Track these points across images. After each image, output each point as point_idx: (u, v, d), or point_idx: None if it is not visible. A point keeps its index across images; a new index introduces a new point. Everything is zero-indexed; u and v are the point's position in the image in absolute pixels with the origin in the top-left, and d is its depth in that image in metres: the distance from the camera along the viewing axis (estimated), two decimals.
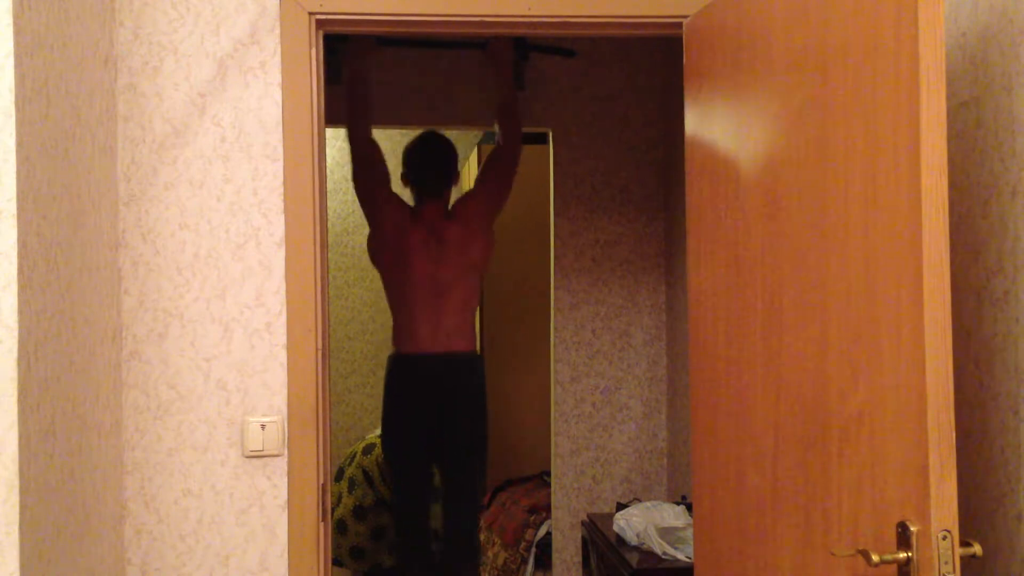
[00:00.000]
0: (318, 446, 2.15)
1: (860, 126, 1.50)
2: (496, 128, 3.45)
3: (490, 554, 4.30)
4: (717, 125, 2.02)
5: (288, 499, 2.13)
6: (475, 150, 4.83)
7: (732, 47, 1.92)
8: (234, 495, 2.13)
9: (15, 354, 1.54)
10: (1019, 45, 1.55)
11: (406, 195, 3.41)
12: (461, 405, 3.29)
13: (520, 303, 4.74)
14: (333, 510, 3.71)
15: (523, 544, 4.10)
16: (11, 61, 1.54)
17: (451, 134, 3.57)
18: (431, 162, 3.39)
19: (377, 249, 3.34)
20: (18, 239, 1.55)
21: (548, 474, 4.18)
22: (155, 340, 2.12)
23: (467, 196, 3.42)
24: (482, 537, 4.40)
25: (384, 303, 3.41)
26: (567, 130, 3.81)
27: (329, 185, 5.12)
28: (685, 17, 2.16)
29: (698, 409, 2.10)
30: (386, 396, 3.34)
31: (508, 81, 3.45)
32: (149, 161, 2.12)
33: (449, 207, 3.39)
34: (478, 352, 3.41)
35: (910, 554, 1.36)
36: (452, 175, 3.43)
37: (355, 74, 3.29)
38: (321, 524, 2.15)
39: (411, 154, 3.43)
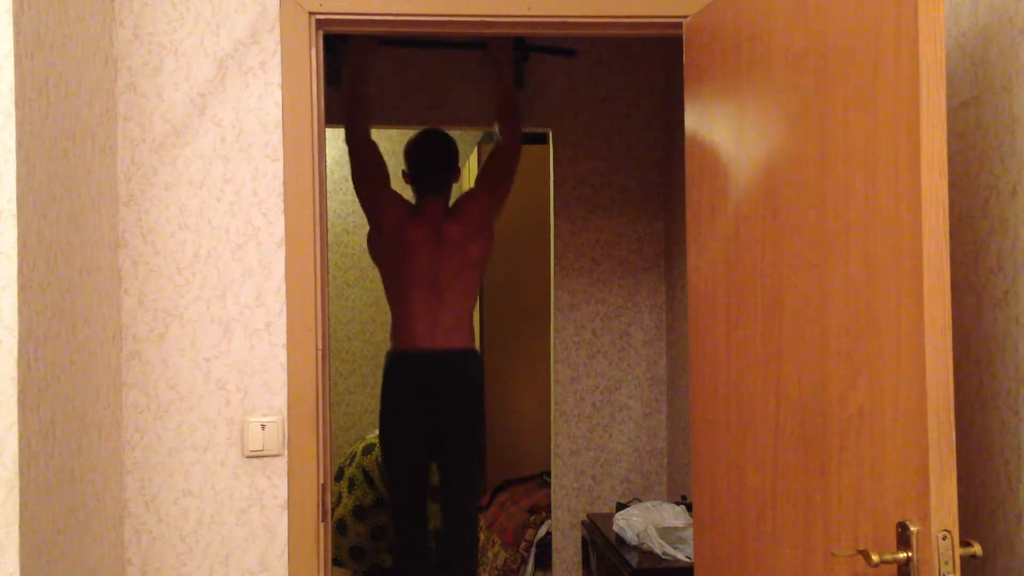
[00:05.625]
0: (318, 446, 2.15)
1: (860, 126, 1.50)
2: (496, 128, 3.45)
3: (490, 554, 4.30)
4: (717, 125, 2.02)
5: (288, 499, 2.13)
6: (475, 150, 4.84)
7: (732, 47, 1.92)
8: (234, 495, 2.13)
9: (15, 354, 1.54)
10: (1019, 45, 1.55)
11: (407, 193, 3.41)
12: (458, 402, 3.29)
13: (520, 303, 4.74)
14: (333, 510, 3.71)
15: (523, 544, 4.10)
16: (11, 61, 1.54)
17: (451, 134, 3.57)
18: (432, 159, 3.39)
19: (377, 246, 3.34)
20: (18, 239, 1.55)
21: (548, 474, 4.18)
22: (155, 340, 2.12)
23: (468, 195, 3.42)
24: (482, 537, 4.40)
25: (384, 303, 3.41)
26: (567, 130, 3.81)
27: (329, 185, 5.12)
28: (685, 17, 2.16)
29: (698, 409, 2.10)
30: (384, 393, 3.34)
31: (508, 81, 3.45)
32: (149, 161, 2.12)
33: (450, 205, 3.39)
34: (476, 349, 3.41)
35: (910, 554, 1.36)
36: (453, 171, 3.43)
37: (355, 74, 3.29)
38: (321, 524, 2.15)
39: (412, 151, 3.43)
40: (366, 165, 3.30)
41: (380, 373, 3.41)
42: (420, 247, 3.26)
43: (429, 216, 3.31)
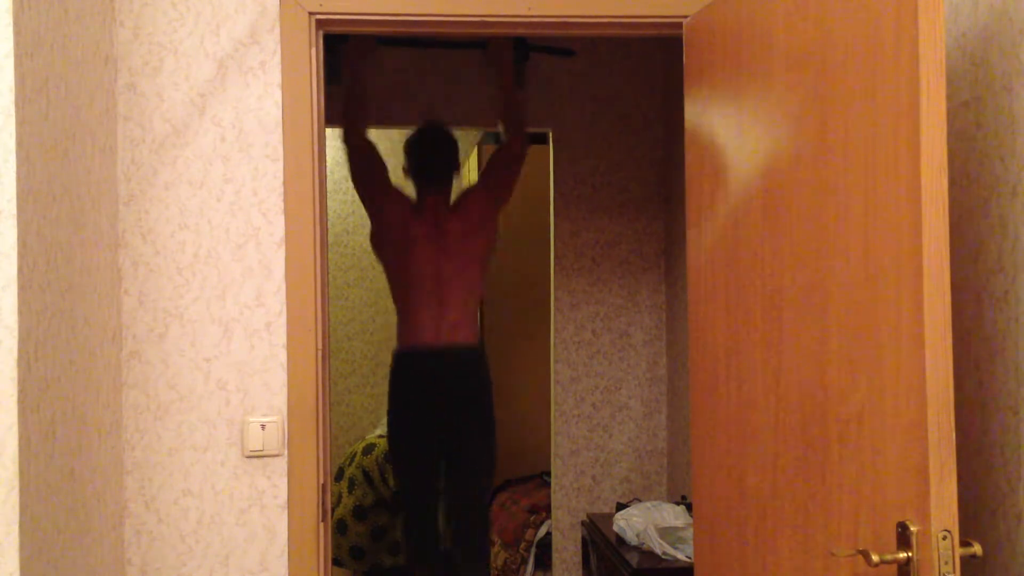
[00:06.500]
0: (318, 446, 2.15)
1: (860, 126, 1.50)
2: (499, 128, 3.45)
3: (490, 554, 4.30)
4: (717, 125, 2.02)
5: (288, 499, 2.13)
6: (475, 150, 4.83)
7: (732, 47, 1.92)
8: (234, 495, 2.13)
9: (15, 354, 1.54)
10: (1019, 45, 1.55)
11: (409, 188, 3.39)
12: (466, 398, 3.26)
13: (520, 303, 4.74)
14: (333, 510, 3.71)
15: (523, 544, 4.10)
16: (11, 61, 1.54)
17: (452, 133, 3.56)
18: (433, 154, 3.37)
19: (380, 243, 3.33)
20: (18, 239, 1.55)
21: (548, 474, 4.18)
22: (155, 340, 2.12)
23: (470, 190, 3.41)
24: None
25: (384, 303, 3.41)
26: (567, 130, 3.81)
27: (329, 185, 5.12)
28: (685, 17, 2.16)
29: (698, 409, 2.10)
30: (391, 391, 3.32)
31: (508, 81, 3.45)
32: (149, 161, 2.12)
33: (452, 200, 3.37)
34: (482, 346, 3.38)
35: (910, 554, 1.36)
36: (454, 167, 3.40)
37: (354, 74, 3.29)
38: (321, 524, 2.15)
39: (412, 146, 3.40)
40: (364, 165, 3.29)
41: (380, 373, 3.41)
42: (422, 243, 3.24)
43: (431, 212, 3.29)
